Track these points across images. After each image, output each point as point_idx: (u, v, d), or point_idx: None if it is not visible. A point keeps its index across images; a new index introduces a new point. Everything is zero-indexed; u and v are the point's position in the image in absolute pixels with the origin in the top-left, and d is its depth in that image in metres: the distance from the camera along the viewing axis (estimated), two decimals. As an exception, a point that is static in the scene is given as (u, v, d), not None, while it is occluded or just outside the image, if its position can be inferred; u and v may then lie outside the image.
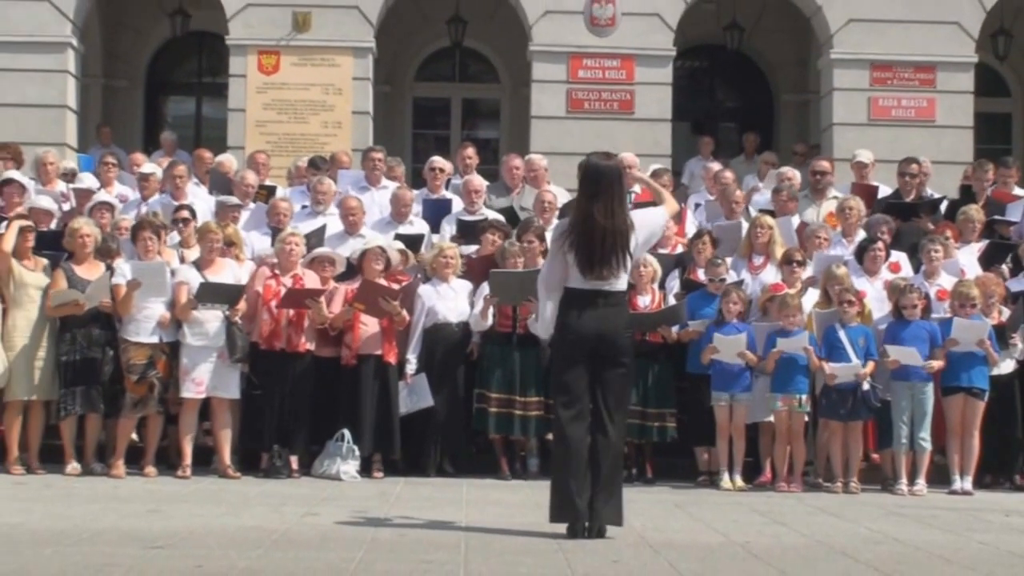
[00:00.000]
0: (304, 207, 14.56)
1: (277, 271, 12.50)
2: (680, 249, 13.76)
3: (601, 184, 8.69)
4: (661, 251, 13.21)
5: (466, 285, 12.87)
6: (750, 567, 7.83)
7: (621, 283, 8.75)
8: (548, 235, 12.16)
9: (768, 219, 13.55)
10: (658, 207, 9.36)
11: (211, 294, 12.08)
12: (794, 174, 15.65)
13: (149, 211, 13.75)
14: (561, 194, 14.64)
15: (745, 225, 13.81)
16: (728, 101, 25.77)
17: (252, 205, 14.44)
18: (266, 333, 12.25)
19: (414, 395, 12.52)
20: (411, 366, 12.60)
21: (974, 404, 12.31)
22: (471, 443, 12.95)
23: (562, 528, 8.65)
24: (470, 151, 15.89)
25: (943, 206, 14.87)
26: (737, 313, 12.38)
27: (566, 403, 8.72)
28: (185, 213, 13.57)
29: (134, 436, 12.45)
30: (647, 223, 8.96)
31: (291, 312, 12.25)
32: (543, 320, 8.90)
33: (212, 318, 12.11)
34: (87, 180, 14.72)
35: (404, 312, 12.39)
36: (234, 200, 14.17)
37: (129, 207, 14.32)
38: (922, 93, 20.52)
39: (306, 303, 12.19)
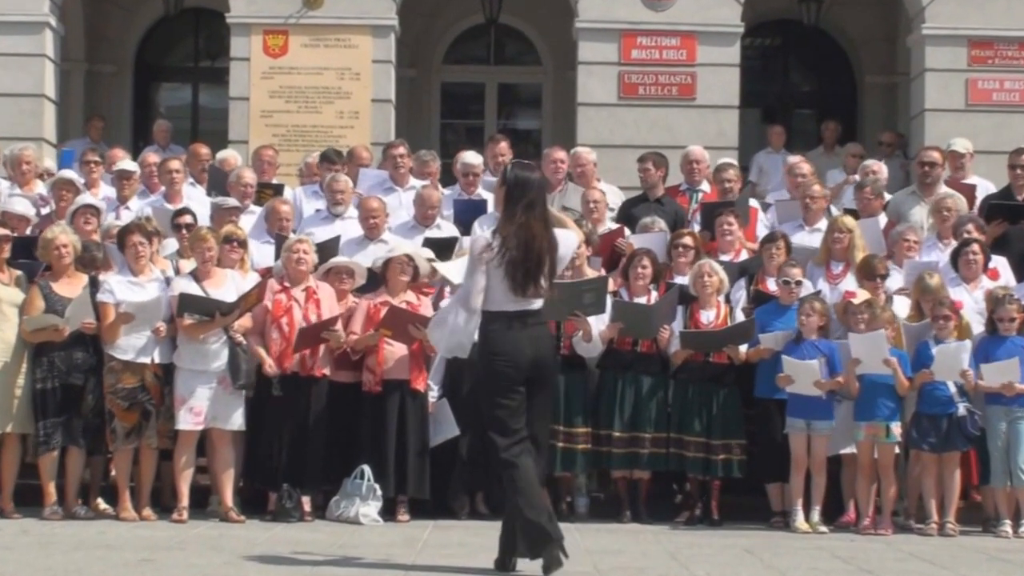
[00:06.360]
0: (318, 211, 14.55)
1: (286, 283, 12.45)
2: (744, 255, 13.66)
3: (532, 194, 9.13)
4: (723, 258, 13.15)
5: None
6: (831, 623, 7.83)
7: (540, 303, 9.19)
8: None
9: (848, 220, 13.41)
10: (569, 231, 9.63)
11: (193, 307, 11.98)
12: (880, 167, 15.57)
13: (141, 215, 13.64)
14: (612, 192, 14.58)
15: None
16: (804, 84, 25.74)
17: (255, 208, 14.42)
18: (276, 354, 12.22)
19: (437, 424, 12.51)
20: (433, 393, 12.60)
21: (1089, 433, 12.21)
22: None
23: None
24: (503, 146, 15.81)
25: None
26: (816, 328, 12.28)
27: (508, 433, 9.09)
28: (187, 218, 13.53)
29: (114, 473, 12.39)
30: (565, 243, 9.31)
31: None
32: (462, 335, 9.24)
33: (212, 339, 12.04)
34: (68, 175, 14.62)
35: None
36: (232, 202, 14.04)
37: (107, 210, 14.17)
38: (1028, 74, 20.43)
39: (323, 336, 12.16)
